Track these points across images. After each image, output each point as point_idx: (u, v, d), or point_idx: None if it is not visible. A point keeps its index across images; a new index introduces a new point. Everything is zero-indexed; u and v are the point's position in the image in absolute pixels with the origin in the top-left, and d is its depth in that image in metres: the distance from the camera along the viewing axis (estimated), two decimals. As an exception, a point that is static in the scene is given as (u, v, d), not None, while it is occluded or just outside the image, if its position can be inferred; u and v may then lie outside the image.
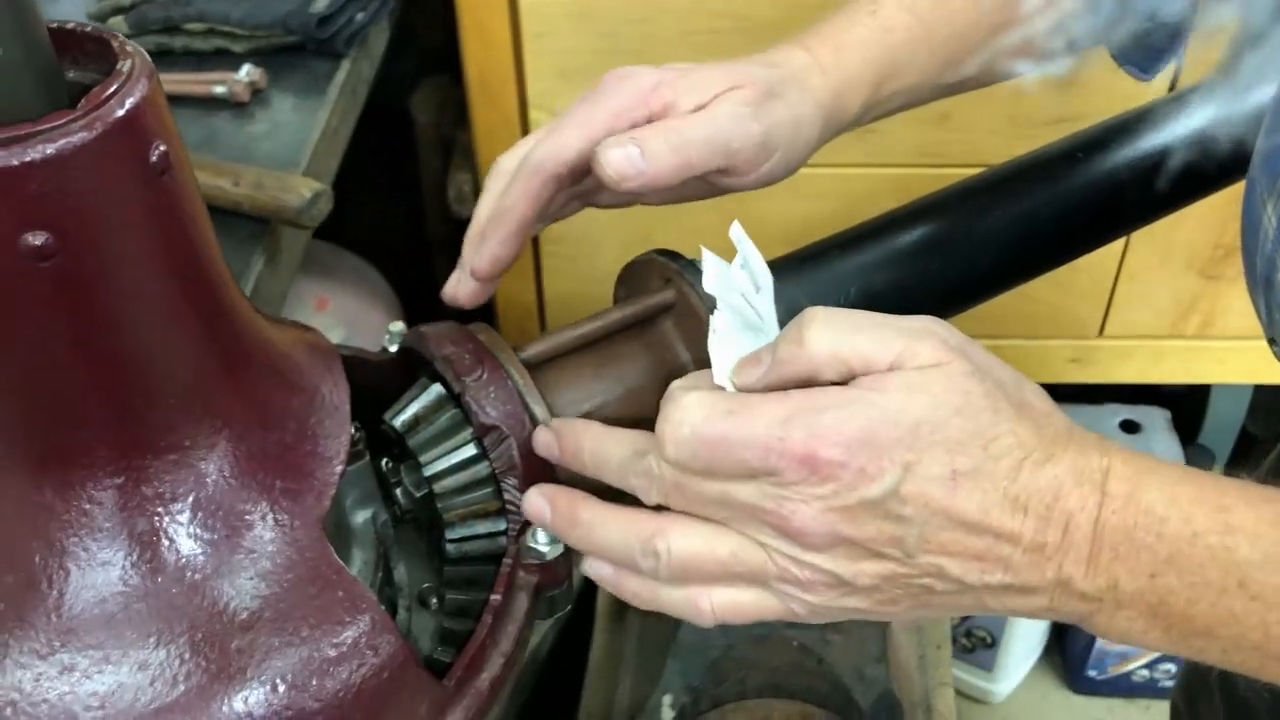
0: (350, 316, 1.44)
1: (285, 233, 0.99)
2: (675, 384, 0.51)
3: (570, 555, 0.58)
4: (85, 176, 0.40)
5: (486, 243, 0.64)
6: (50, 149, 0.39)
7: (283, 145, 1.06)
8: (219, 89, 1.09)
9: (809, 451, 0.45)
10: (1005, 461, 0.45)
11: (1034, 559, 0.45)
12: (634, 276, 0.66)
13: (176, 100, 1.10)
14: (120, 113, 0.40)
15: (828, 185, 1.34)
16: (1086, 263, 1.40)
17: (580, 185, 0.68)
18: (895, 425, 0.45)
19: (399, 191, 1.74)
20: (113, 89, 0.41)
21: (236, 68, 1.10)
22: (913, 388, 0.45)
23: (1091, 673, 1.81)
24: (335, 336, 1.42)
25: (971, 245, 0.70)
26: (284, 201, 0.93)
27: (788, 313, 0.64)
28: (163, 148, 0.42)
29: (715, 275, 0.54)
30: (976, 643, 1.78)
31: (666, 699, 1.19)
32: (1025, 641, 1.79)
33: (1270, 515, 0.44)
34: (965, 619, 1.76)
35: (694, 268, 0.63)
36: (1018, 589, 0.46)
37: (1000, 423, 0.46)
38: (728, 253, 0.62)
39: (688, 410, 0.48)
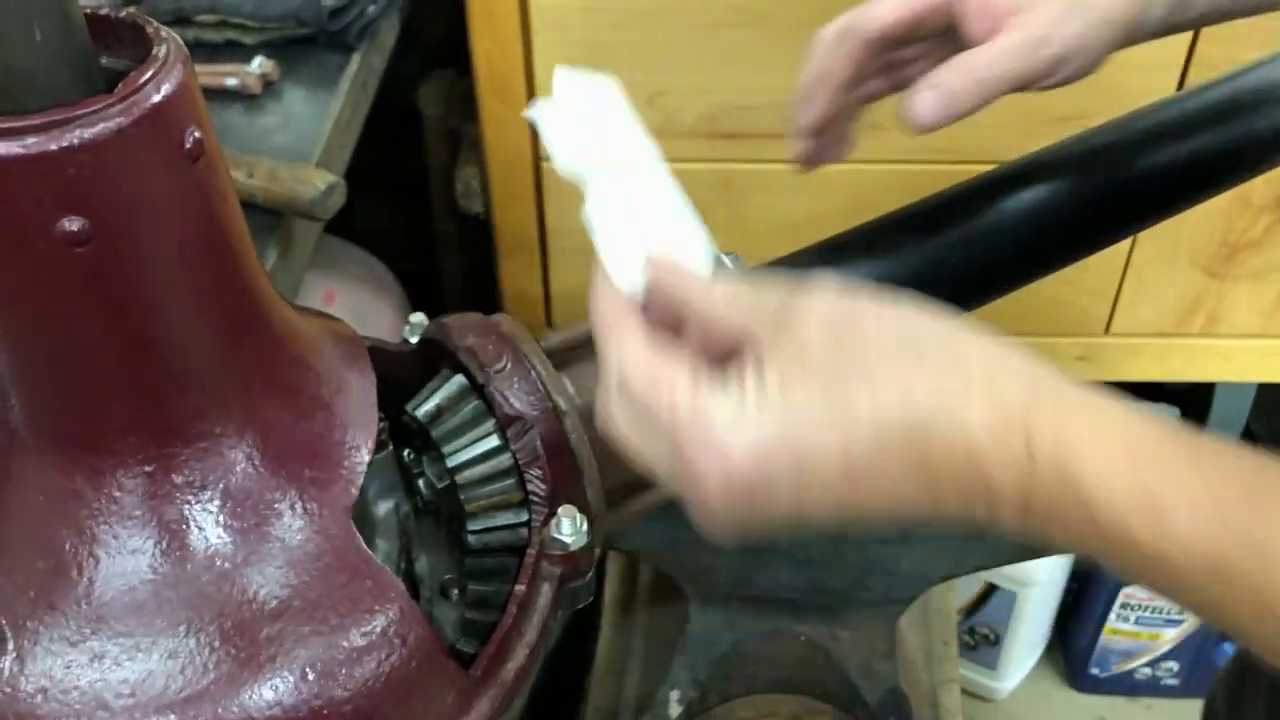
0: (357, 310, 1.44)
1: (297, 225, 0.99)
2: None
3: (594, 547, 0.58)
4: (121, 162, 0.40)
5: (809, 104, 0.73)
6: (87, 134, 0.39)
7: (295, 137, 1.06)
8: (231, 81, 1.08)
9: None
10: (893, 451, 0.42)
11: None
12: (655, 268, 0.66)
13: (188, 92, 1.10)
14: (156, 99, 0.40)
15: (835, 181, 1.34)
16: (1093, 260, 1.40)
17: (893, 57, 0.73)
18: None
19: (406, 186, 1.74)
20: (148, 75, 0.41)
21: (248, 60, 1.10)
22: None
23: (1094, 670, 1.82)
24: (343, 330, 1.42)
25: (991, 237, 0.70)
26: (298, 193, 0.93)
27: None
28: (197, 134, 0.42)
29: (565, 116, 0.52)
30: (980, 640, 1.78)
31: (674, 694, 1.19)
32: (1028, 639, 1.80)
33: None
34: (969, 617, 1.76)
35: (717, 259, 0.63)
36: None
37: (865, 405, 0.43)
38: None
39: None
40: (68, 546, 0.45)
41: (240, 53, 1.13)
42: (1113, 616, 1.75)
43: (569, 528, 0.55)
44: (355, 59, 1.15)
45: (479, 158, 1.41)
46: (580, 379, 0.61)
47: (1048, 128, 1.08)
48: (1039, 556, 1.07)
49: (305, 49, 1.15)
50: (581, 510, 0.56)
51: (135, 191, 0.41)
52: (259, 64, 1.09)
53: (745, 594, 1.15)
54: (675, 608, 1.21)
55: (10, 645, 0.45)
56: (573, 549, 0.55)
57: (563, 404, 0.57)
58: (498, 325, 0.60)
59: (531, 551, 0.55)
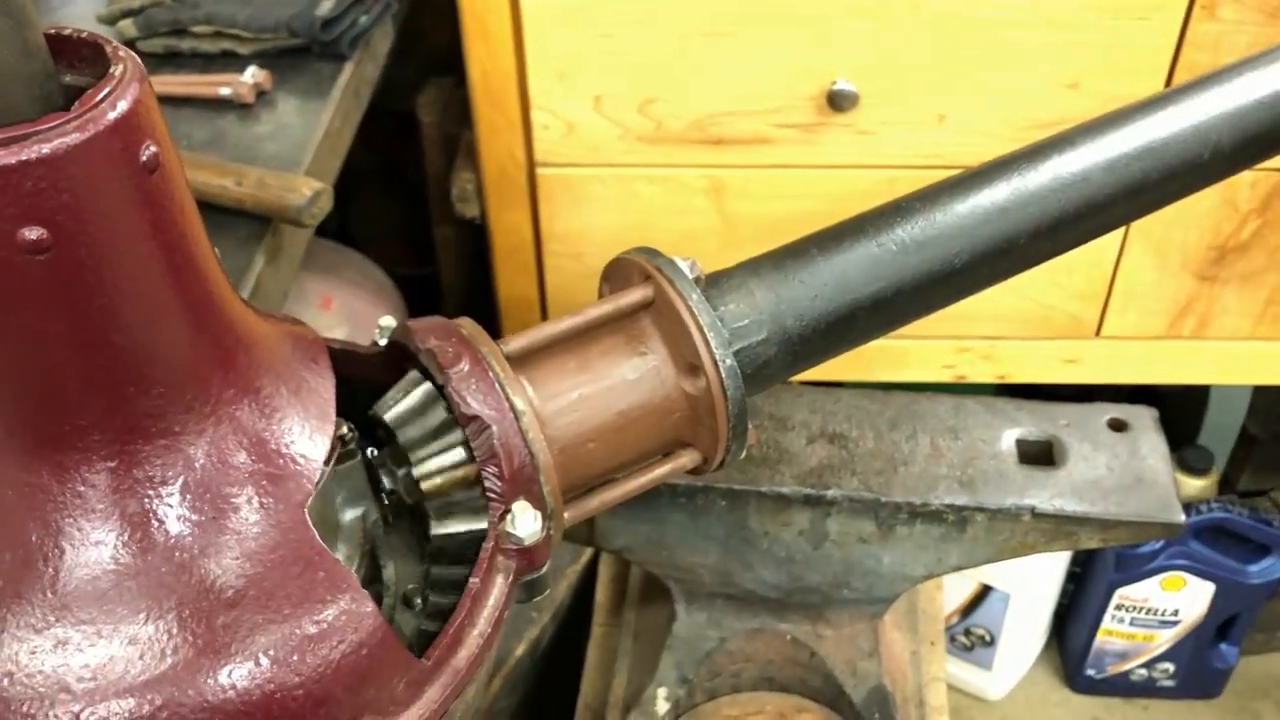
0: (354, 315, 1.46)
1: (287, 231, 1.01)
2: None
3: (549, 541, 0.60)
4: (78, 174, 0.42)
5: None
6: (45, 149, 0.41)
7: (286, 145, 1.09)
8: (225, 90, 1.11)
9: None
10: None
11: None
12: (616, 273, 0.68)
13: (184, 101, 1.13)
14: (112, 115, 0.43)
15: (817, 185, 1.36)
16: (1083, 263, 1.43)
17: None
18: None
19: (404, 191, 1.77)
20: (105, 92, 0.43)
21: (242, 69, 1.13)
22: None
23: (1090, 671, 1.83)
24: (339, 334, 1.44)
25: (949, 240, 0.72)
26: (285, 200, 0.96)
27: (770, 318, 0.66)
28: (153, 148, 0.45)
29: None
30: (975, 641, 1.79)
31: (661, 691, 1.21)
32: (1024, 640, 1.81)
33: None
34: (964, 618, 1.78)
35: (673, 265, 0.65)
36: None
37: None
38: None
39: None
40: (34, 539, 0.48)
41: (235, 63, 1.16)
42: (1108, 618, 1.76)
43: (524, 523, 0.57)
44: (348, 68, 1.18)
45: (475, 163, 1.43)
46: (540, 381, 0.63)
47: (1035, 133, 1.09)
48: (1018, 556, 1.09)
49: (299, 59, 1.18)
50: (536, 506, 0.58)
51: (93, 202, 0.43)
52: (252, 74, 1.11)
53: (729, 593, 1.17)
54: (663, 607, 1.23)
55: (-20, 632, 0.47)
56: (527, 543, 0.57)
57: (520, 404, 0.59)
58: (459, 328, 0.62)
59: (487, 545, 0.57)
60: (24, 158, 0.41)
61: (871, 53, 1.26)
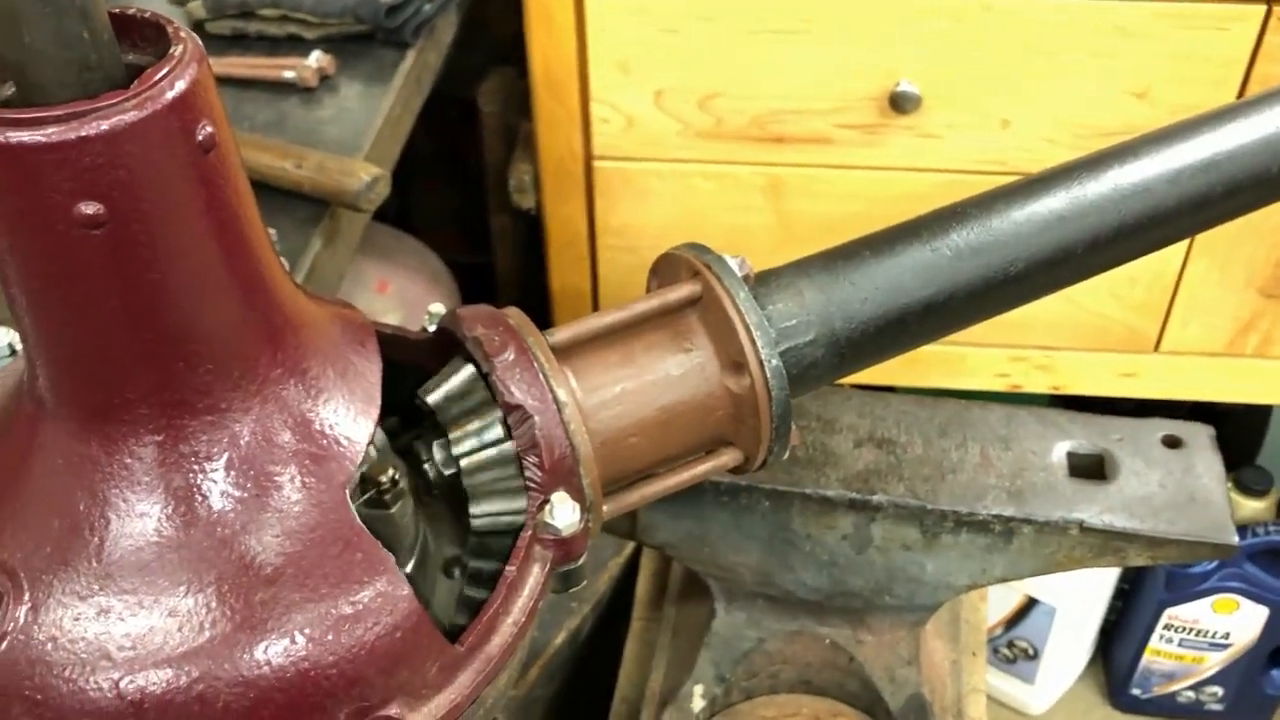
0: (409, 300, 1.48)
1: (344, 215, 1.02)
2: None
3: (587, 533, 0.60)
4: (135, 152, 0.43)
5: None
6: (104, 125, 0.42)
7: (347, 130, 1.10)
8: (289, 74, 1.13)
9: None
10: None
11: None
12: (665, 268, 0.68)
13: (248, 83, 1.14)
14: (170, 94, 0.43)
15: (876, 187, 1.35)
16: (1144, 275, 1.40)
17: None
18: None
19: (463, 180, 1.78)
20: (164, 72, 0.44)
21: (307, 54, 1.14)
22: None
23: (1135, 691, 1.80)
24: (393, 319, 1.45)
25: (1005, 247, 0.71)
26: (344, 184, 0.97)
27: (819, 319, 0.66)
28: (209, 128, 0.45)
29: None
30: (1018, 654, 1.77)
31: (698, 688, 1.21)
32: (1069, 655, 1.78)
33: None
34: (1008, 630, 1.76)
35: (722, 262, 0.64)
36: None
37: None
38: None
39: None
40: (82, 507, 0.49)
41: (300, 47, 1.18)
42: (1156, 637, 1.74)
43: (562, 514, 0.58)
44: (410, 56, 1.19)
45: (533, 154, 1.44)
46: (583, 373, 0.63)
47: (1100, 141, 1.07)
48: (1062, 570, 1.07)
49: (363, 45, 1.19)
50: (575, 497, 0.58)
51: (148, 179, 0.44)
52: (316, 58, 1.13)
53: (770, 594, 1.16)
54: (703, 604, 1.23)
55: (27, 596, 0.48)
56: (565, 534, 0.58)
57: (563, 395, 0.60)
58: (506, 318, 0.62)
59: (525, 535, 0.57)
60: (83, 134, 0.42)
61: (937, 55, 1.25)
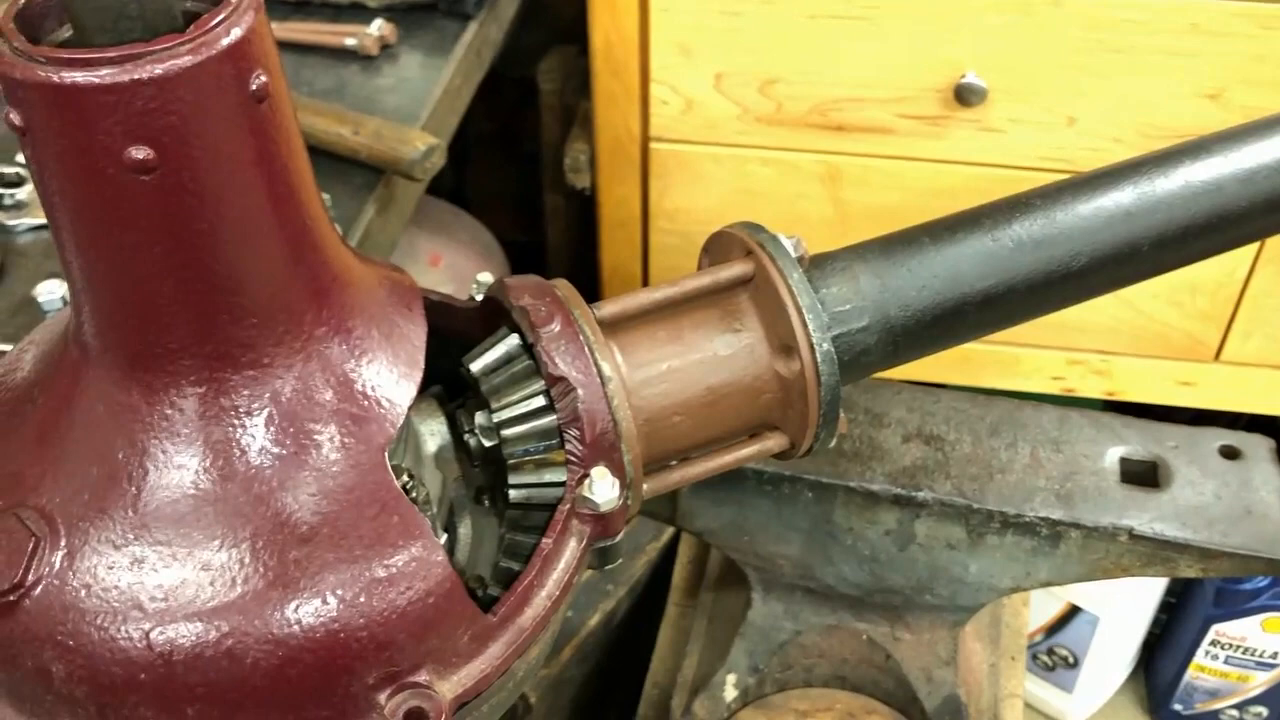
0: (461, 274, 1.47)
1: (399, 184, 1.02)
2: None
3: (626, 510, 0.59)
4: (188, 97, 0.42)
5: None
6: (158, 69, 0.42)
7: (406, 99, 1.09)
8: (350, 41, 1.12)
9: None
10: None
11: None
12: (717, 247, 0.67)
13: (310, 49, 1.14)
14: (225, 41, 0.43)
15: (937, 180, 1.33)
16: (1208, 282, 1.37)
17: None
18: None
19: (519, 158, 1.78)
20: (220, 18, 0.43)
21: (369, 22, 1.14)
22: None
23: (1177, 706, 1.77)
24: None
25: (1069, 240, 0.69)
26: (399, 153, 0.97)
27: (873, 304, 0.64)
28: (263, 78, 0.45)
29: None
30: (1058, 661, 1.74)
31: (731, 678, 1.20)
32: (1109, 666, 1.75)
33: None
34: (1049, 636, 1.73)
35: (776, 242, 0.63)
36: None
37: None
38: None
39: None
40: (120, 456, 0.48)
41: (363, 15, 1.17)
42: (1201, 653, 1.70)
43: (601, 489, 0.57)
44: (472, 28, 1.18)
45: (589, 134, 1.43)
46: (630, 348, 0.62)
47: (1169, 142, 1.04)
48: (1109, 577, 1.05)
49: (425, 15, 1.19)
50: (615, 473, 0.57)
51: (200, 126, 0.43)
52: (378, 26, 1.12)
53: (808, 586, 1.15)
54: (740, 593, 1.22)
55: (63, 541, 0.48)
56: (603, 510, 0.57)
57: (607, 370, 0.59)
58: (554, 289, 0.61)
59: (563, 508, 0.56)
60: (136, 77, 0.41)
61: (1004, 48, 1.22)
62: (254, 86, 0.44)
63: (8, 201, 0.97)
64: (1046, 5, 1.19)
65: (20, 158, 1.01)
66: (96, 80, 0.41)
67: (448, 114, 1.13)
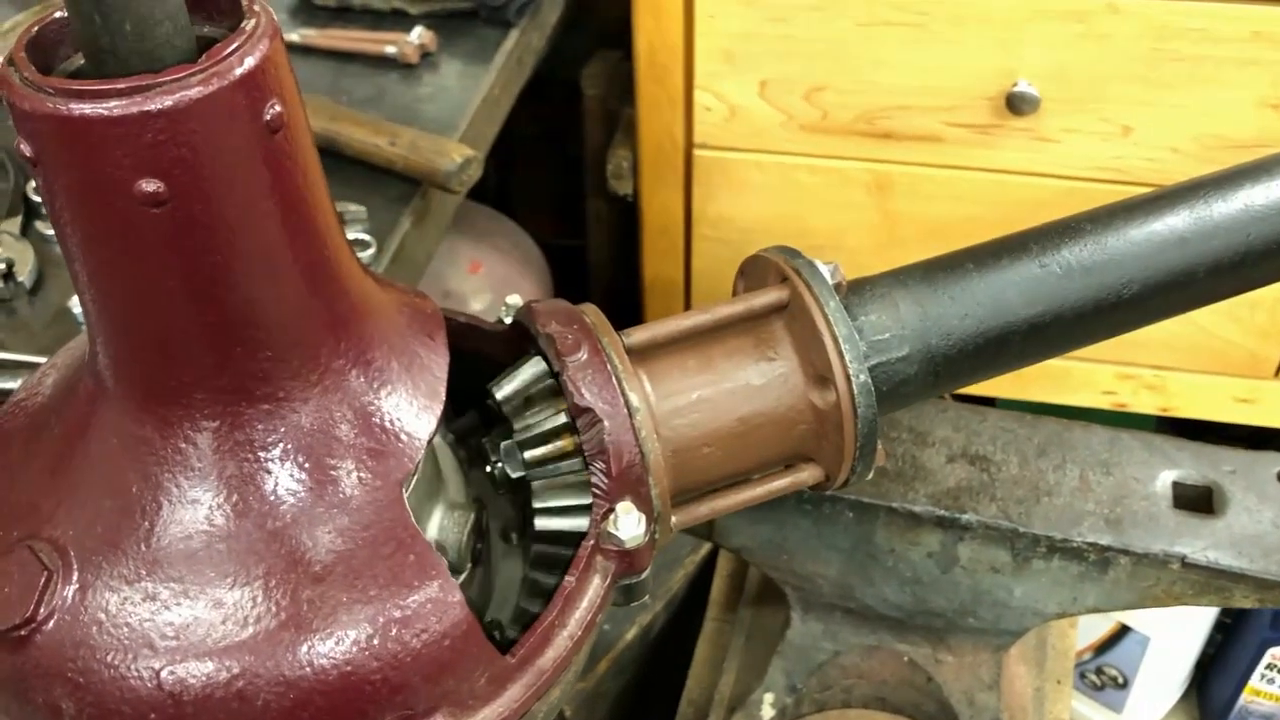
0: (501, 281, 1.46)
1: (435, 195, 1.01)
2: None
3: (653, 545, 0.57)
4: (199, 129, 0.41)
5: None
6: (168, 101, 0.41)
7: (445, 108, 1.08)
8: (390, 49, 1.12)
9: None
10: None
11: None
12: (752, 271, 0.65)
13: (350, 57, 1.14)
14: (238, 71, 0.42)
15: (987, 190, 1.29)
16: (1268, 298, 1.32)
17: None
18: None
19: (563, 163, 1.76)
20: (233, 47, 0.42)
21: (409, 29, 1.13)
22: None
23: (1231, 729, 1.72)
24: (484, 300, 1.45)
25: (1120, 267, 0.66)
26: (436, 164, 0.96)
27: (914, 333, 0.62)
28: (278, 107, 0.43)
29: None
30: (1107, 681, 1.70)
31: (768, 696, 1.18)
32: (1160, 687, 1.71)
33: None
34: (1098, 655, 1.69)
35: (812, 268, 0.61)
36: None
37: None
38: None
39: None
40: (134, 490, 0.48)
41: (403, 22, 1.17)
42: (1256, 676, 1.65)
43: (627, 525, 0.55)
44: (513, 36, 1.17)
45: (633, 140, 1.41)
46: (659, 378, 0.60)
47: (1227, 154, 1.00)
48: (1160, 606, 1.01)
49: (465, 23, 1.18)
50: (642, 507, 0.56)
51: (211, 158, 0.42)
52: (418, 34, 1.11)
53: (848, 606, 1.13)
54: (779, 611, 1.19)
55: (75, 575, 0.47)
56: (628, 546, 0.55)
57: (635, 400, 0.57)
58: (582, 315, 0.60)
59: (587, 544, 0.55)
60: (145, 109, 0.40)
61: (1058, 56, 1.19)
62: (268, 117, 0.43)
63: (45, 211, 0.97)
64: (1104, 13, 1.15)
65: (60, 167, 1.01)
66: (105, 112, 0.40)
67: (487, 123, 1.12)
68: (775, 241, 0.67)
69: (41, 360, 0.84)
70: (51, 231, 0.97)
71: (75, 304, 0.87)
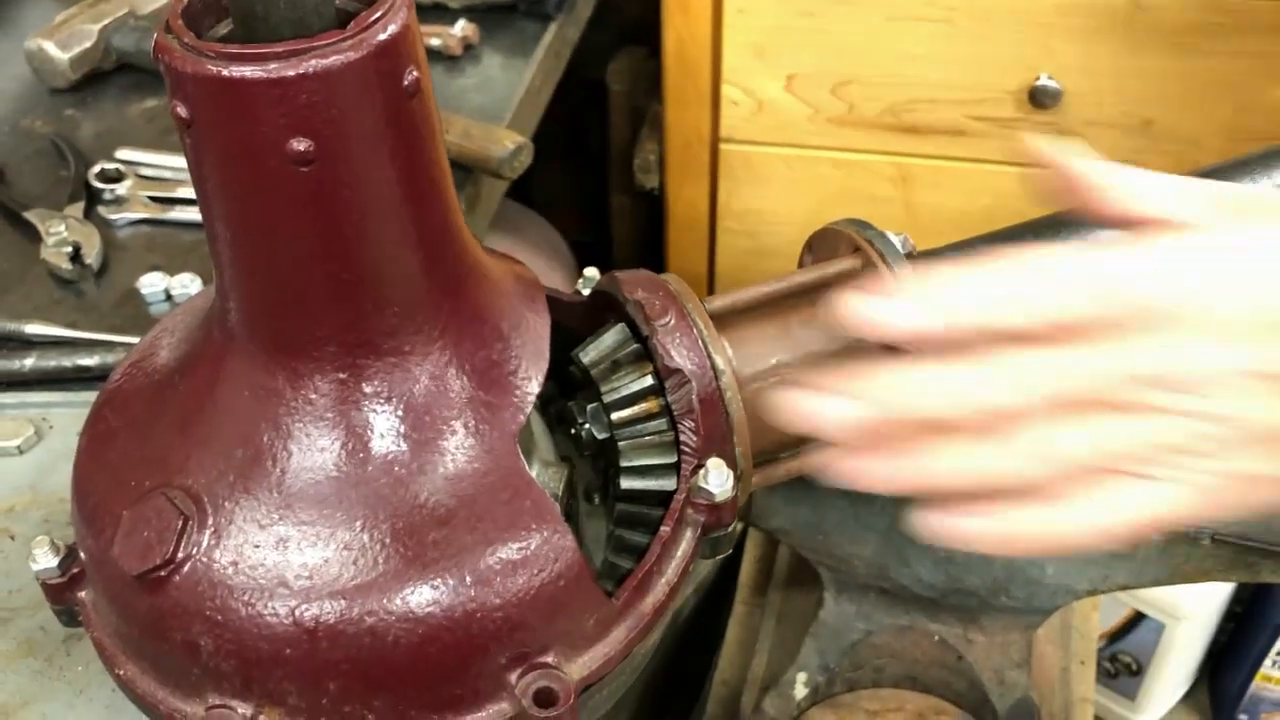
0: (530, 273, 1.49)
1: (485, 183, 1.04)
2: None
3: (738, 500, 0.60)
4: (348, 91, 0.44)
5: None
6: (321, 64, 0.43)
7: (490, 99, 1.11)
8: (434, 41, 1.14)
9: None
10: None
11: None
12: (823, 243, 0.68)
13: (395, 50, 1.16)
14: (383, 37, 0.44)
15: (1008, 183, 1.33)
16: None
17: None
18: None
19: (587, 157, 1.79)
20: (378, 15, 0.45)
21: (452, 22, 1.16)
22: None
23: (1242, 717, 1.75)
24: (515, 290, 1.47)
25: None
26: (489, 152, 0.98)
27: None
28: (415, 73, 0.46)
29: None
30: (1121, 668, 1.73)
31: (801, 676, 1.20)
32: (1173, 673, 1.74)
33: None
34: (1112, 643, 1.72)
35: (884, 238, 0.64)
36: None
37: None
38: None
39: None
40: (265, 439, 0.50)
41: (446, 15, 1.19)
42: (1268, 663, 1.68)
43: (716, 479, 0.58)
44: (551, 29, 1.20)
45: (659, 135, 1.44)
46: (739, 342, 0.63)
47: (1249, 146, 1.03)
48: (1189, 582, 1.04)
49: (506, 16, 1.20)
50: (729, 465, 0.58)
51: (357, 120, 0.45)
52: (461, 27, 1.14)
53: (882, 586, 1.15)
54: (810, 592, 1.22)
55: (210, 521, 0.50)
56: (718, 499, 0.58)
57: (720, 363, 0.60)
58: (666, 283, 0.62)
59: (679, 497, 0.57)
60: (302, 70, 0.43)
61: (1081, 50, 1.22)
62: (406, 82, 0.46)
63: (108, 196, 0.99)
64: (1126, 7, 1.19)
65: (120, 154, 1.04)
66: (264, 74, 0.43)
67: (529, 114, 1.15)
68: (800, 235, 0.71)
69: (114, 339, 0.86)
70: (114, 216, 0.99)
71: (143, 284, 0.90)
